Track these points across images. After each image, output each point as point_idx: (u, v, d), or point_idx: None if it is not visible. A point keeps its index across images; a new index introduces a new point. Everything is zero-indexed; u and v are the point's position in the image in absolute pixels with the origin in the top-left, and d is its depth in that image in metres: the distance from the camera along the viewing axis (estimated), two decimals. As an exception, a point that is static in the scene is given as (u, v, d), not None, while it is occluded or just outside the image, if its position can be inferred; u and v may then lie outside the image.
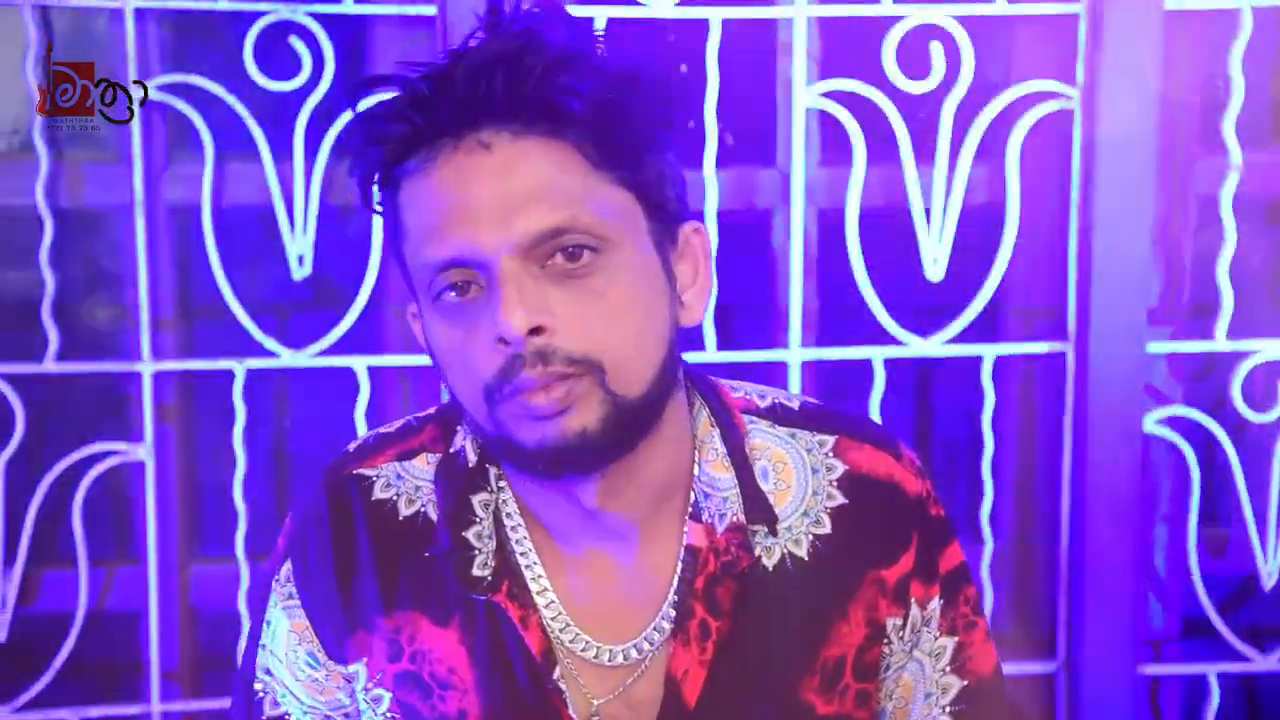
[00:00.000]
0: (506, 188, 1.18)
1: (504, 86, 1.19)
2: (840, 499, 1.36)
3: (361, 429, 2.25)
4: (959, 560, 1.41)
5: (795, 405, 1.41)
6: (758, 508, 1.33)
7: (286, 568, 1.39)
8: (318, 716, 1.39)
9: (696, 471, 1.34)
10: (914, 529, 1.37)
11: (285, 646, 1.38)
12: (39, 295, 2.19)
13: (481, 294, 1.20)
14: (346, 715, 1.39)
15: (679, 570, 1.33)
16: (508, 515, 1.34)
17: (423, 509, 1.35)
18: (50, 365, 2.21)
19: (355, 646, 1.36)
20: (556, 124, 1.19)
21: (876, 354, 2.31)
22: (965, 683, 1.41)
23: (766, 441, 1.37)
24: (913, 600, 1.37)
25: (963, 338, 2.32)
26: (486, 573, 1.31)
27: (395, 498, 1.36)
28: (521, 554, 1.33)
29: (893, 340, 2.31)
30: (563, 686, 1.31)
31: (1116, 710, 2.36)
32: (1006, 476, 2.43)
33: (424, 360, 2.27)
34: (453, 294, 1.22)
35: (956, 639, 1.40)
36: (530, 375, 1.18)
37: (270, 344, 2.24)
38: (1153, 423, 2.34)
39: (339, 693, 1.38)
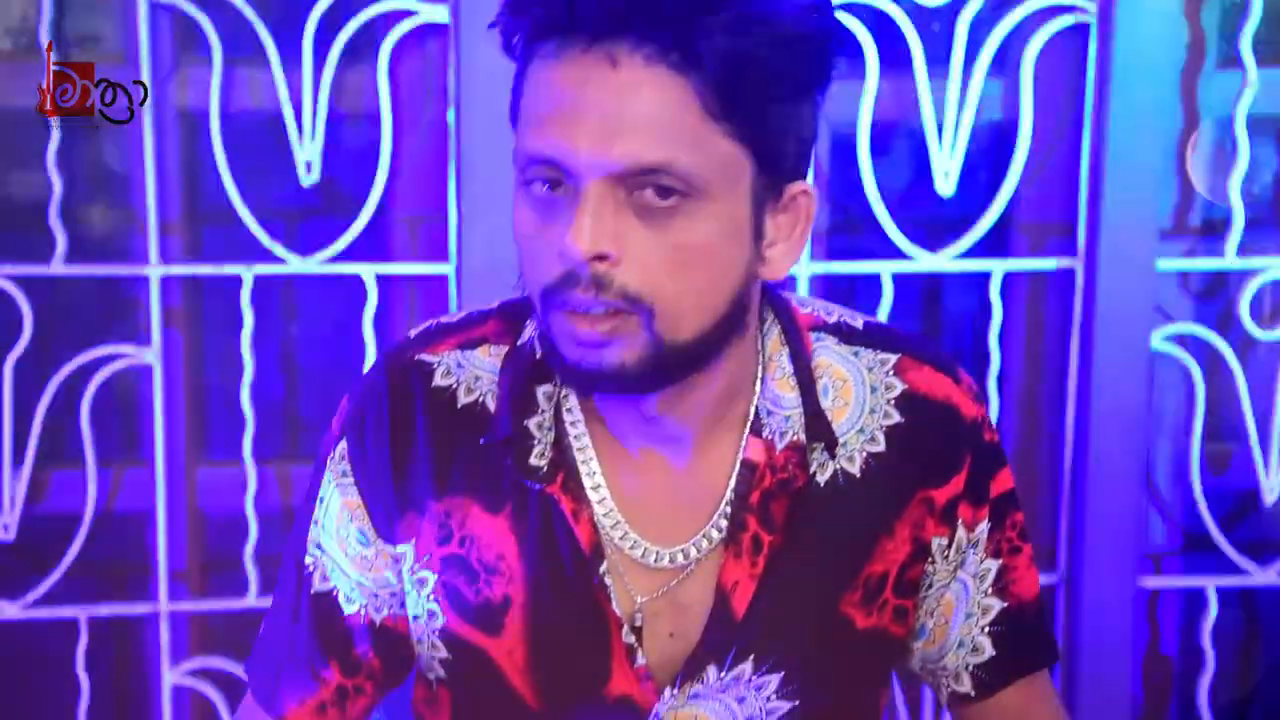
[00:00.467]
0: (618, 110, 1.17)
1: (649, 9, 1.16)
2: (897, 418, 1.37)
3: (369, 337, 2.25)
4: (1009, 486, 1.43)
5: (859, 323, 1.41)
6: (819, 428, 1.34)
7: (342, 446, 1.40)
8: (365, 593, 1.40)
9: (760, 387, 1.35)
10: (967, 452, 1.39)
11: (337, 523, 1.40)
12: (46, 197, 2.18)
13: (568, 195, 1.20)
14: (393, 594, 1.40)
15: (733, 483, 1.34)
16: (568, 410, 1.35)
17: (481, 399, 1.36)
18: (58, 267, 2.21)
19: (405, 527, 1.37)
20: (687, 63, 1.17)
21: (885, 268, 2.30)
22: (1006, 605, 1.43)
23: (830, 359, 1.38)
24: (960, 522, 1.39)
25: (972, 253, 2.32)
26: (543, 463, 1.33)
27: (455, 385, 1.37)
28: (579, 449, 1.35)
29: (902, 255, 2.30)
30: (608, 581, 1.33)
31: (1115, 622, 2.39)
32: (1012, 391, 2.44)
33: (432, 269, 2.26)
34: (542, 186, 1.21)
35: (1001, 562, 1.42)
36: (583, 297, 1.19)
37: (278, 250, 2.23)
38: (1160, 339, 2.34)
39: (386, 571, 1.40)
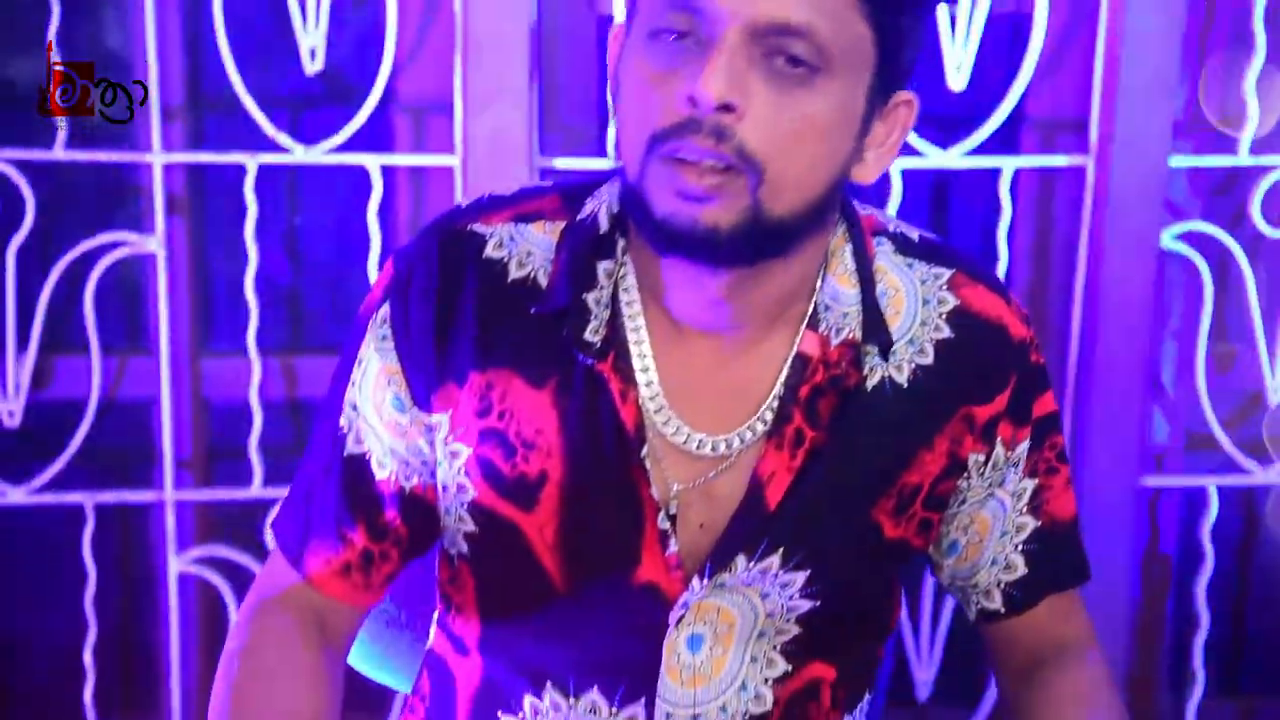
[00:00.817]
0: None
1: None
2: (947, 332, 1.37)
3: (374, 228, 2.23)
4: (1051, 409, 1.43)
5: (915, 236, 1.42)
6: (876, 327, 1.34)
7: (385, 309, 1.38)
8: (396, 459, 1.39)
9: (820, 282, 1.35)
10: (1013, 371, 1.39)
11: (374, 386, 1.39)
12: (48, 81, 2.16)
13: (695, 47, 1.19)
14: (425, 463, 1.40)
15: (785, 375, 1.34)
16: (625, 290, 1.34)
17: (533, 274, 1.35)
18: (60, 153, 2.19)
19: (442, 397, 1.36)
20: None
21: (895, 165, 2.27)
22: (1039, 523, 1.43)
23: (886, 265, 1.38)
24: (999, 440, 1.39)
25: (982, 149, 2.29)
26: (597, 339, 1.32)
27: (507, 258, 1.35)
28: (633, 329, 1.34)
29: (912, 151, 2.28)
30: (648, 465, 1.33)
31: (1117, 520, 2.39)
32: (1020, 289, 2.43)
33: (435, 160, 2.25)
34: (670, 35, 1.20)
35: (1037, 481, 1.42)
36: (698, 145, 1.18)
37: (282, 139, 2.21)
38: (1170, 238, 2.32)
39: (420, 440, 1.39)
